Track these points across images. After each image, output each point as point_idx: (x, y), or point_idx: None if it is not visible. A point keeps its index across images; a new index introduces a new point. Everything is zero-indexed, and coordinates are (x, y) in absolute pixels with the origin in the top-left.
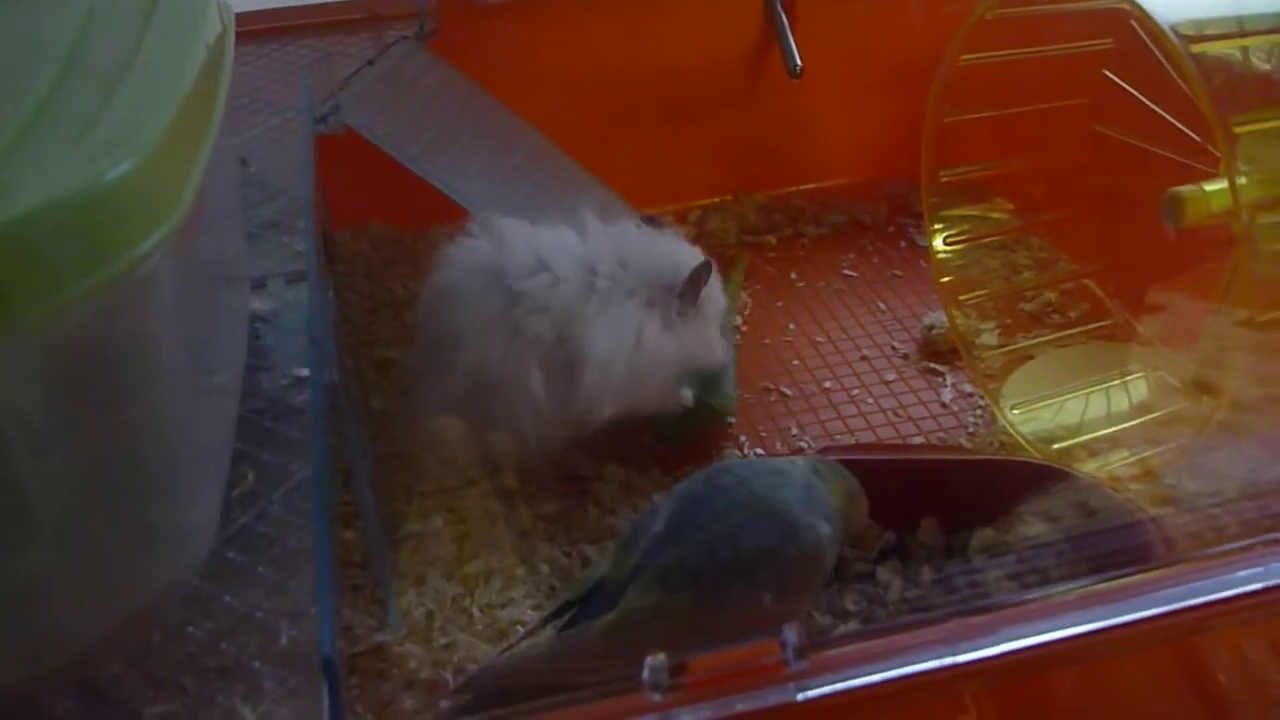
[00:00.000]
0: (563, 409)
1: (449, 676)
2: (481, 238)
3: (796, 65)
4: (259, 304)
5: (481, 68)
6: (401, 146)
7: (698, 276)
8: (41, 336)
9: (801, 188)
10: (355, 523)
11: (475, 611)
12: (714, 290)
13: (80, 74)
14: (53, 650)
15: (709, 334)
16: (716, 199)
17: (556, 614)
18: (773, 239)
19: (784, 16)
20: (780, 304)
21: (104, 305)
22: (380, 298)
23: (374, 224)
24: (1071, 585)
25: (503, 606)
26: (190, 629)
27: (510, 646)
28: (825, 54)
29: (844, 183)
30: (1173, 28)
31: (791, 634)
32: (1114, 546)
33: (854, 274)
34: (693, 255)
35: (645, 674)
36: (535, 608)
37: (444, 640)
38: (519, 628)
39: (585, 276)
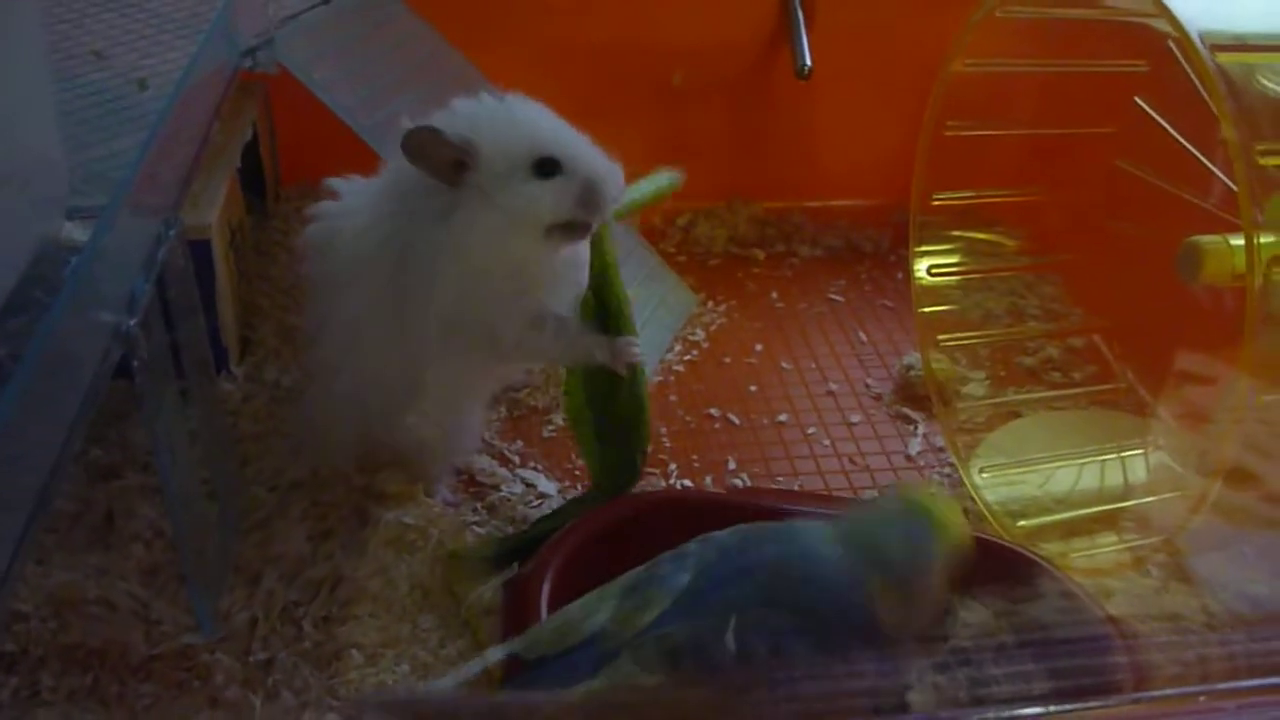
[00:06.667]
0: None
1: (256, 701)
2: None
3: (805, 65)
4: (81, 234)
5: (459, 27)
6: (338, 95)
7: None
8: None
9: (802, 204)
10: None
11: (306, 625)
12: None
13: None
14: None
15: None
16: (708, 204)
17: (525, 665)
18: (760, 254)
19: (800, 11)
20: (752, 323)
21: None
22: None
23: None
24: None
25: (342, 623)
26: None
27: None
28: (842, 59)
29: (848, 204)
30: (1202, 36)
31: None
32: (1072, 662)
33: (840, 299)
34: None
35: None
36: (381, 629)
37: (263, 655)
38: (354, 652)
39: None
